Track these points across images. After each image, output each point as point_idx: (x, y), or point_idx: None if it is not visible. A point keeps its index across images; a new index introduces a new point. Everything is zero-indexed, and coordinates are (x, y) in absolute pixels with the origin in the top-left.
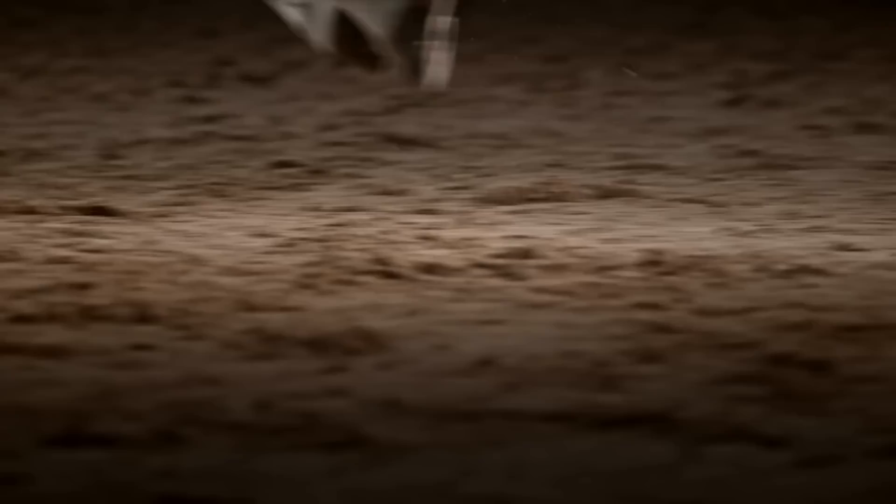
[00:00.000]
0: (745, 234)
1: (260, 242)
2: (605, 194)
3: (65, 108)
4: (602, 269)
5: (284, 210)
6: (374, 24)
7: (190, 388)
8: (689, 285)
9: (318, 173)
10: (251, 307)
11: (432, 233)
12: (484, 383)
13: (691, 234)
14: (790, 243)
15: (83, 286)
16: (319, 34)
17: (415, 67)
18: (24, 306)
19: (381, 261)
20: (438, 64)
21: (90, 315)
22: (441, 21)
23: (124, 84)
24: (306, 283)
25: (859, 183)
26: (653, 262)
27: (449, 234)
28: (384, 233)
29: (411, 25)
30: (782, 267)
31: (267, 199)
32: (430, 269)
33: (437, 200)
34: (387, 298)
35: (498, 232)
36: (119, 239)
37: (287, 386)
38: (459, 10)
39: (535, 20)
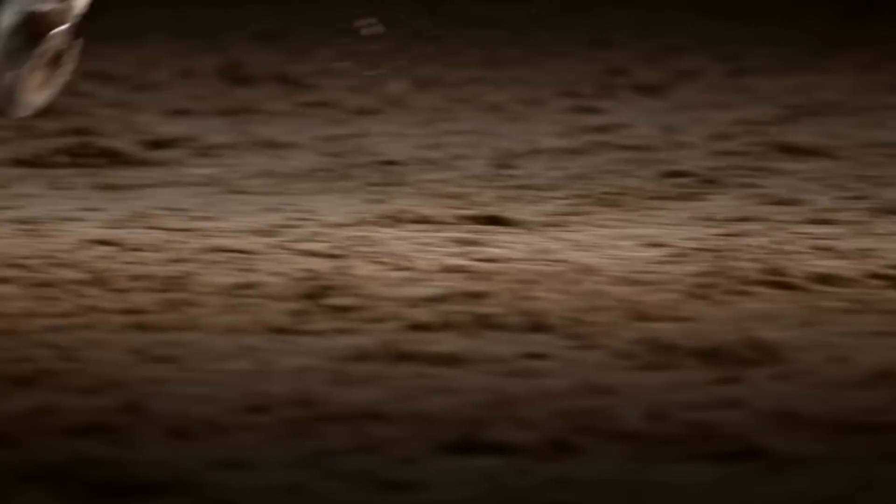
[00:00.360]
0: None
1: (652, 252)
2: None
3: (459, 118)
4: None
5: (676, 220)
6: None
7: (583, 398)
8: None
9: (711, 183)
10: (643, 317)
11: (827, 243)
12: (883, 395)
13: None
14: None
15: (477, 295)
16: None
17: (9, 95)
18: (420, 314)
19: (774, 271)
20: (37, 88)
21: (485, 324)
22: (52, 38)
23: (517, 94)
24: (699, 292)
25: None
26: None
27: (845, 244)
28: (777, 243)
29: (22, 44)
30: None
31: (659, 209)
32: (825, 279)
33: (832, 210)
34: (781, 309)
35: None
36: (512, 248)
37: (680, 396)
38: (79, 27)
39: None
